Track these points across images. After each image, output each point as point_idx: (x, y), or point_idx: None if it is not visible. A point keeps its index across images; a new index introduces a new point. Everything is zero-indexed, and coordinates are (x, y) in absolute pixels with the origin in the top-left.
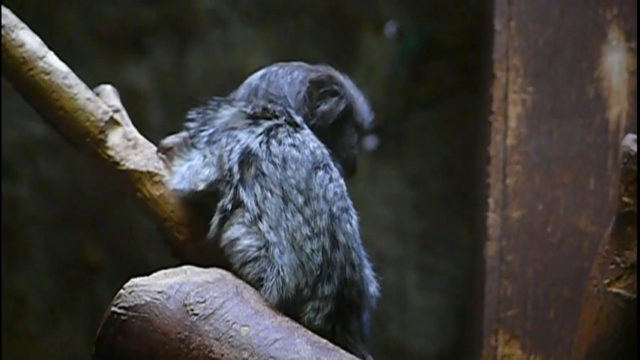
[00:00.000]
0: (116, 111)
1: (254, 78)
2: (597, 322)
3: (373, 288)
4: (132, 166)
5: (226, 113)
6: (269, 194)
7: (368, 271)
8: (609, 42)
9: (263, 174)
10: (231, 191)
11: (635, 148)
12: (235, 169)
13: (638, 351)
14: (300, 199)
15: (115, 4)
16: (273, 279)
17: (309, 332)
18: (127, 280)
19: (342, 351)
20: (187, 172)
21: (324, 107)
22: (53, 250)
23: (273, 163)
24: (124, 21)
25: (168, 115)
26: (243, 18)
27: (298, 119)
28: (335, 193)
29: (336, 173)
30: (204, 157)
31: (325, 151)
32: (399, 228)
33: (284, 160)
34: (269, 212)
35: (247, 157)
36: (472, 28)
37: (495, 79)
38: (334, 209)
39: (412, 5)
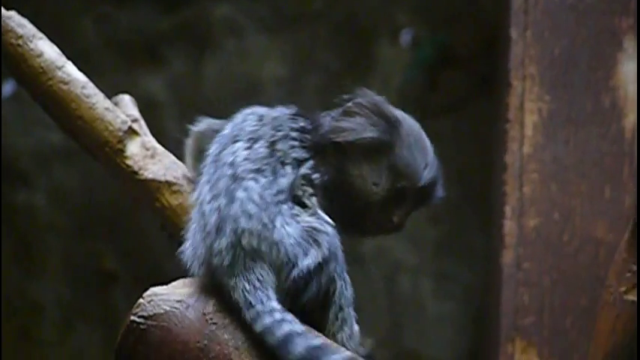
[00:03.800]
0: (134, 120)
1: None
2: (614, 330)
3: (291, 240)
4: (150, 176)
5: None
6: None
7: (282, 220)
8: (625, 51)
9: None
10: None
11: None
12: None
13: None
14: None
15: (131, 13)
16: None
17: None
18: (144, 289)
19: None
20: None
21: (342, 123)
22: (70, 259)
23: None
24: (140, 30)
25: (185, 123)
26: (259, 26)
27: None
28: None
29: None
30: None
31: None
32: (414, 236)
33: None
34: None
35: None
36: (487, 37)
37: (512, 87)
38: (238, 171)
39: (427, 14)
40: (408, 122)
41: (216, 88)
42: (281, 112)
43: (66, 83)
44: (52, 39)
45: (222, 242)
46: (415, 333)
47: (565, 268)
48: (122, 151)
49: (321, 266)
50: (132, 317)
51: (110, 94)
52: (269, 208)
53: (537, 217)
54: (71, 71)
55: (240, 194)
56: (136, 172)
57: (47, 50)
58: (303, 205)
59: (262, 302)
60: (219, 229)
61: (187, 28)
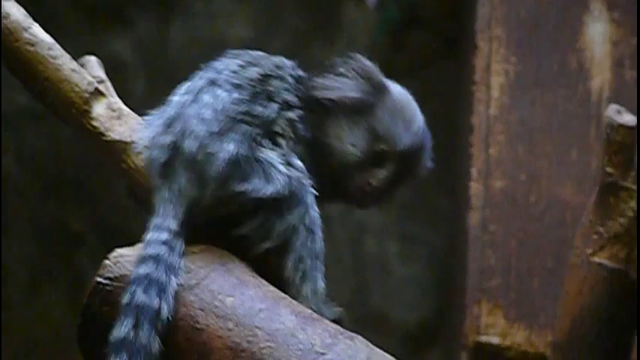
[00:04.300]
0: (100, 82)
1: None
2: (581, 292)
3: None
4: (117, 137)
5: None
6: None
7: (232, 137)
8: (591, 12)
9: None
10: None
11: (617, 118)
12: None
13: (622, 321)
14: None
15: None
16: None
17: (295, 302)
18: (110, 250)
19: (327, 321)
20: None
21: (327, 81)
22: (36, 220)
23: None
24: None
25: (151, 85)
26: None
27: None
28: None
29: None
30: None
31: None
32: None
33: None
34: None
35: None
36: None
37: (478, 49)
38: (219, 79)
39: None
40: (398, 90)
41: (182, 50)
42: (285, 60)
43: (32, 45)
44: (19, 1)
45: (167, 138)
46: (381, 295)
47: (531, 229)
48: (88, 112)
49: (267, 203)
50: (97, 278)
51: (77, 55)
52: (225, 121)
53: (503, 178)
54: (38, 33)
55: (206, 98)
56: (102, 134)
57: (14, 12)
58: (276, 144)
59: (165, 216)
60: (170, 124)
61: None
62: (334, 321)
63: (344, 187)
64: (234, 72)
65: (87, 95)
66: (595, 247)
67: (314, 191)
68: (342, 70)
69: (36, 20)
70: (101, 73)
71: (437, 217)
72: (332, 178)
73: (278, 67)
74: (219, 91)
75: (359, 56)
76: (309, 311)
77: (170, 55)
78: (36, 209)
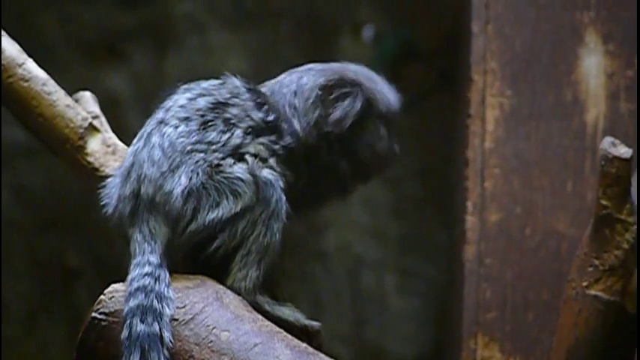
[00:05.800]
0: (95, 117)
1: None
2: (576, 324)
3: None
4: (112, 172)
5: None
6: None
7: (184, 170)
8: (586, 45)
9: None
10: None
11: (612, 150)
12: None
13: (617, 354)
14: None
15: (93, 10)
16: None
17: (289, 336)
18: (107, 285)
19: (322, 355)
20: None
21: (336, 114)
22: (33, 255)
23: None
24: (102, 27)
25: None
26: (221, 23)
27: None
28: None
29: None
30: None
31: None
32: (377, 231)
33: None
34: None
35: None
36: (449, 32)
37: (473, 82)
38: (167, 117)
39: (389, 9)
40: (354, 69)
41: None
42: (237, 81)
43: (26, 80)
44: (13, 36)
45: (127, 189)
46: (378, 329)
47: (527, 262)
48: (83, 147)
49: (238, 215)
50: (93, 314)
51: (71, 91)
52: (174, 156)
53: (499, 212)
54: (32, 68)
55: (154, 139)
56: (96, 169)
57: (8, 47)
58: (242, 161)
59: (143, 254)
60: (128, 175)
61: (149, 25)
62: (305, 331)
63: (370, 169)
64: (182, 106)
65: (81, 131)
66: (590, 279)
67: (281, 184)
68: (325, 96)
69: (30, 55)
70: (96, 109)
71: (434, 251)
72: (359, 171)
73: (233, 94)
74: (165, 129)
75: (327, 79)
76: (304, 345)
77: (165, 90)
78: (32, 244)
